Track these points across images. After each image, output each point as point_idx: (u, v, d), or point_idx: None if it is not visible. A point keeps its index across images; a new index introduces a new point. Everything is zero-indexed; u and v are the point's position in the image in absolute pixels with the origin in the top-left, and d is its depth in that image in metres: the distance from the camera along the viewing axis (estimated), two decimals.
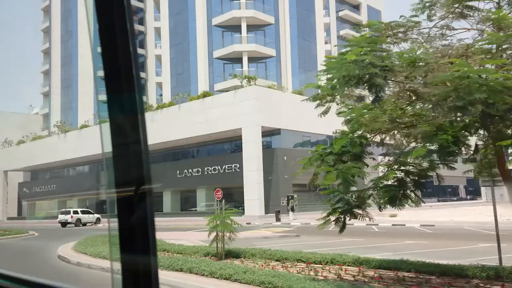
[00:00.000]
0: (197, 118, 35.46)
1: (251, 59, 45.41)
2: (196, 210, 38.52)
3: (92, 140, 37.46)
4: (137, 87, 0.82)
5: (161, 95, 51.45)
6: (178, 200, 42.23)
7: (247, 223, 26.10)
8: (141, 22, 54.32)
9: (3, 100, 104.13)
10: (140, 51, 54.09)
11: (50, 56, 58.53)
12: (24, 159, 50.47)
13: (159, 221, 32.29)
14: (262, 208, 32.54)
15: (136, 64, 0.84)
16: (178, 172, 39.65)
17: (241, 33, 45.42)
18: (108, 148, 0.82)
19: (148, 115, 36.99)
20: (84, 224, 35.35)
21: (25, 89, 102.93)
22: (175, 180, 39.38)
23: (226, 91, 38.58)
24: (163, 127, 35.99)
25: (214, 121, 34.48)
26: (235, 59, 45.75)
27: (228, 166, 36.31)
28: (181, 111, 37.41)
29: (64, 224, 34.41)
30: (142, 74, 53.81)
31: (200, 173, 38.19)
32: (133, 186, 0.81)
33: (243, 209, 32.25)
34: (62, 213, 35.68)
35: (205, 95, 36.78)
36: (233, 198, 35.39)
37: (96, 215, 37.09)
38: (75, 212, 35.62)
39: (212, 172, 37.41)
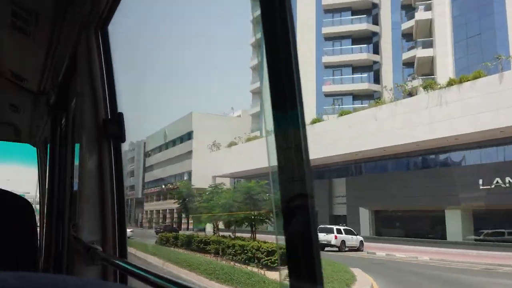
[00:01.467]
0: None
1: None
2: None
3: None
4: (298, 95, 0.78)
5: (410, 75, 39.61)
6: (469, 222, 28.53)
7: None
8: None
9: (206, 102, 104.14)
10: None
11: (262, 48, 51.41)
12: (231, 164, 43.93)
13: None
14: None
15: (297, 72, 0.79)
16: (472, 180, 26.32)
17: None
18: (274, 161, 0.80)
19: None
20: (349, 249, 25.02)
21: (226, 89, 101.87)
22: (464, 191, 26.32)
23: None
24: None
25: None
26: None
27: None
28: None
29: (323, 246, 24.41)
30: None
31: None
32: (298, 200, 0.77)
33: None
34: (322, 230, 25.49)
35: None
36: None
37: (360, 237, 26.53)
38: (339, 231, 25.53)
39: None
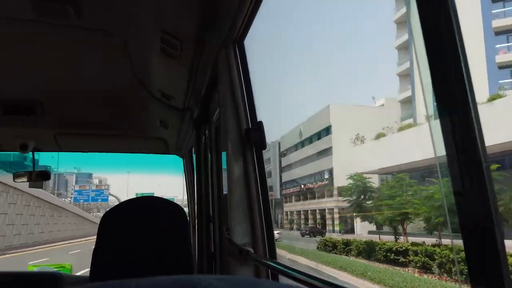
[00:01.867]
0: None
1: None
2: None
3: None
4: (465, 68, 0.69)
5: None
6: None
7: None
8: None
9: (343, 95, 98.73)
10: None
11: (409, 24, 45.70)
12: (380, 157, 38.54)
13: None
14: None
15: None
16: None
17: None
18: (441, 150, 0.72)
19: None
20: None
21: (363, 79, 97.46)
22: None
23: None
24: None
25: None
26: None
27: None
28: None
29: None
30: None
31: None
32: (474, 195, 0.68)
33: None
34: None
35: None
36: None
37: None
38: None
39: None
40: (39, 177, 4.16)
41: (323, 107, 55.65)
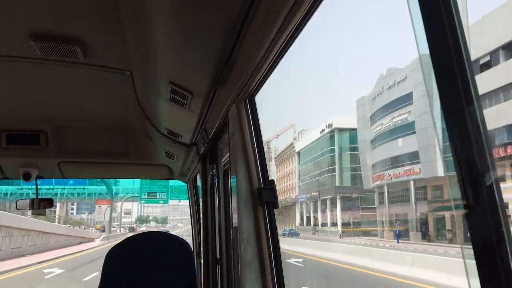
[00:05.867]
0: None
1: None
2: None
3: None
4: (472, 85, 0.71)
5: None
6: None
7: None
8: None
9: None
10: None
11: None
12: None
13: None
14: None
15: None
16: None
17: None
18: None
19: None
20: None
21: None
22: None
23: None
24: None
25: None
26: None
27: None
28: None
29: None
30: None
31: None
32: None
33: None
34: None
35: None
36: None
37: None
38: None
39: None
40: (42, 204, 4.11)
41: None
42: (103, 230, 64.89)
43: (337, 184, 62.71)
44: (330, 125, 64.07)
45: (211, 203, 3.17)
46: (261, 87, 1.87)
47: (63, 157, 3.74)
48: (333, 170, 64.08)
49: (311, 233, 61.22)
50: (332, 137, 64.08)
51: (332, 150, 64.13)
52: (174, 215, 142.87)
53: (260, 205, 1.85)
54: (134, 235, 2.05)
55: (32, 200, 4.09)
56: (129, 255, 1.92)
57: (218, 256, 2.90)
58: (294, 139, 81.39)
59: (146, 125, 3.19)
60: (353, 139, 60.68)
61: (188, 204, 4.97)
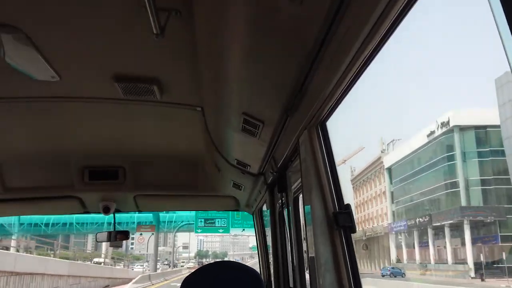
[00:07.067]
0: None
1: None
2: None
3: None
4: None
5: None
6: None
7: None
8: None
9: None
10: None
11: None
12: None
13: None
14: None
15: None
16: None
17: None
18: None
19: None
20: None
21: None
22: None
23: None
24: None
25: None
26: None
27: None
28: None
29: None
30: None
31: None
32: None
33: None
34: None
35: None
36: None
37: None
38: None
39: None
40: (119, 237, 4.33)
41: None
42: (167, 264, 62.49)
43: (463, 203, 47.41)
44: (445, 124, 48.92)
45: (281, 232, 3.18)
46: (333, 112, 1.85)
47: (138, 191, 3.95)
48: (454, 185, 48.42)
49: (420, 272, 48.43)
50: (449, 140, 49.06)
51: (451, 158, 48.85)
52: (234, 250, 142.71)
53: (337, 230, 1.82)
54: (209, 264, 2.09)
55: (110, 233, 4.33)
56: (205, 283, 1.98)
57: (291, 285, 2.87)
58: (382, 151, 67.75)
59: (215, 157, 3.30)
60: (483, 140, 46.66)
61: (254, 234, 5.00)
